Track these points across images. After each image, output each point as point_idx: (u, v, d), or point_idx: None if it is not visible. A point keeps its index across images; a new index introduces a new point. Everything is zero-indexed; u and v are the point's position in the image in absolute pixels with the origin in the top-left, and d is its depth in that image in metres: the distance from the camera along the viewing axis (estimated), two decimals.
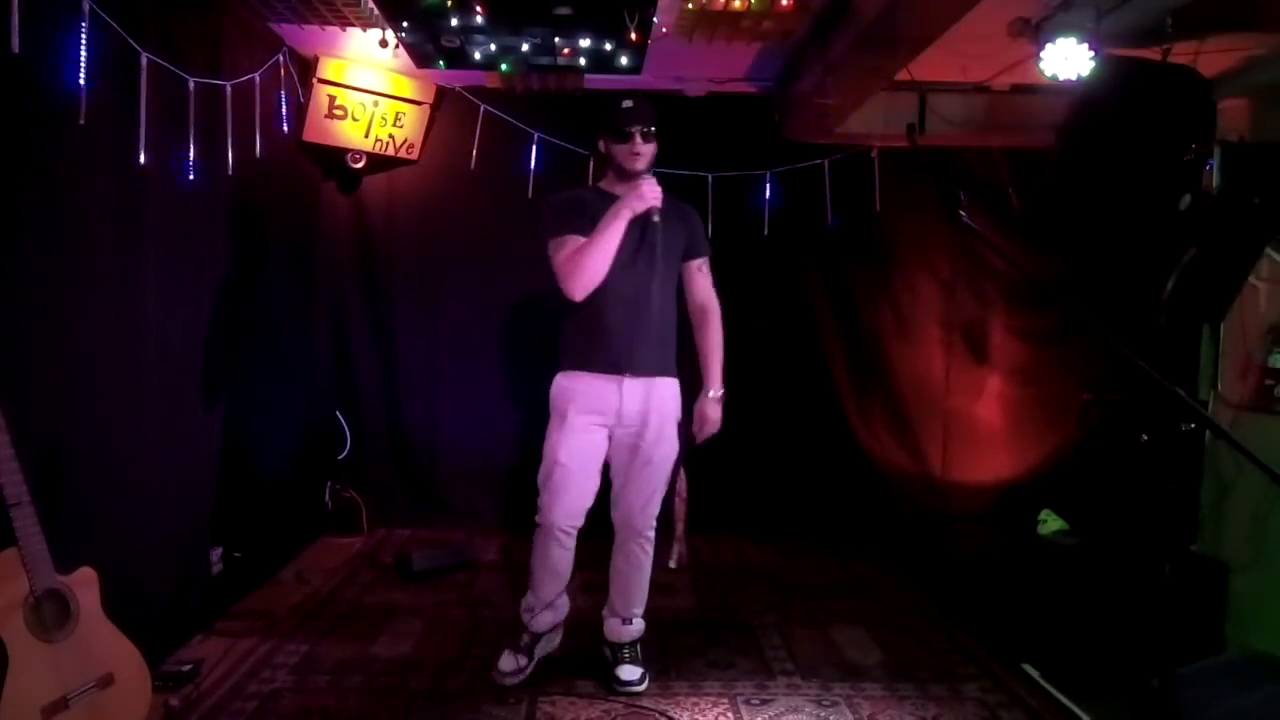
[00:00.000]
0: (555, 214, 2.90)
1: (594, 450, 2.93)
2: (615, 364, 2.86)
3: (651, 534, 3.05)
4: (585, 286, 2.79)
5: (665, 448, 2.96)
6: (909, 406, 4.92)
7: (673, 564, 4.27)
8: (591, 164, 4.49)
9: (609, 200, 2.84)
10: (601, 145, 2.93)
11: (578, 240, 2.81)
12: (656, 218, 2.80)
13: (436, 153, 4.77)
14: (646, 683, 2.99)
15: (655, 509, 3.01)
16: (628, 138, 2.84)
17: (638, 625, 3.12)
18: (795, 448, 4.91)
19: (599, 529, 3.08)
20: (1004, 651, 3.26)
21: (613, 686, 2.96)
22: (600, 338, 2.86)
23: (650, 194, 2.78)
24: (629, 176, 2.87)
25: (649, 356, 2.90)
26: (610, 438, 2.94)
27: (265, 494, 4.05)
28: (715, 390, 3.01)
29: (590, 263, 2.77)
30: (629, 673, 2.98)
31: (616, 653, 3.07)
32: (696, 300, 3.08)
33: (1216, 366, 3.61)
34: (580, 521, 2.96)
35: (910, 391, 4.92)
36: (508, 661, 3.01)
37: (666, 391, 2.97)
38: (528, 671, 3.02)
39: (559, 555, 2.96)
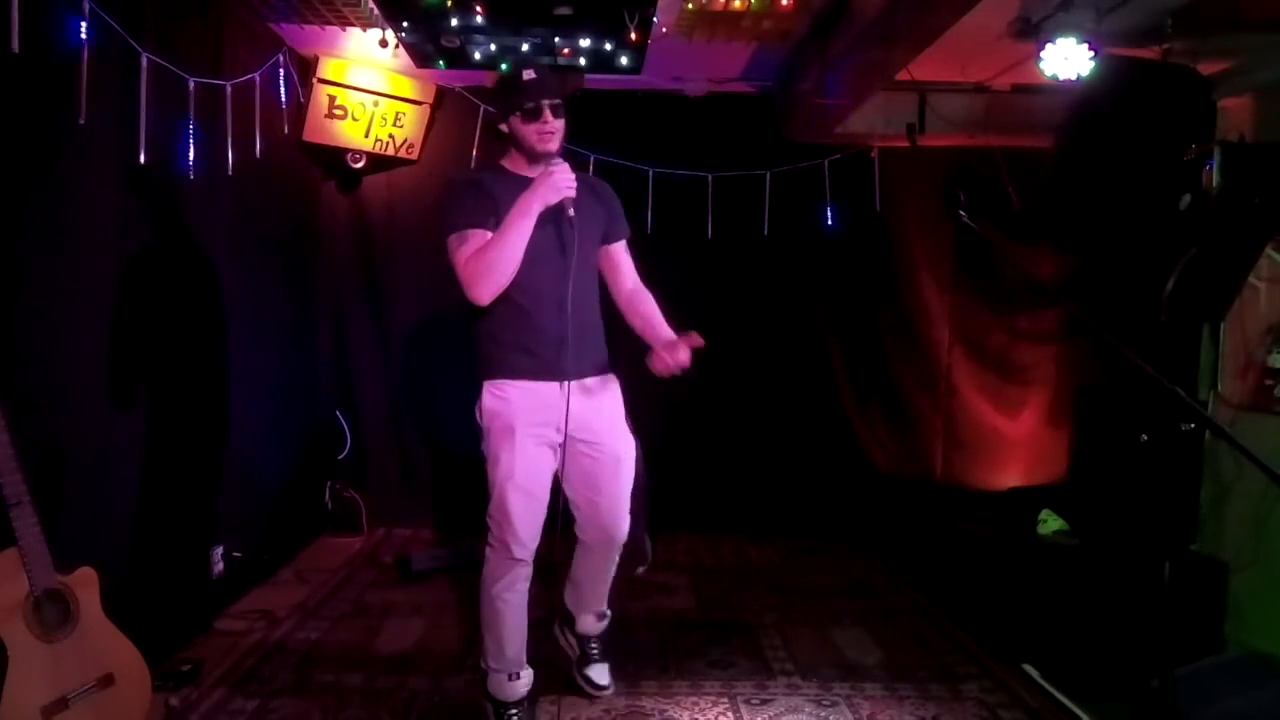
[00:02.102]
0: (455, 203, 2.51)
1: (547, 465, 2.61)
2: (553, 370, 2.53)
3: (625, 541, 2.80)
4: (492, 291, 2.44)
5: (628, 443, 2.73)
6: (909, 406, 4.92)
7: (641, 571, 4.11)
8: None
9: (516, 184, 2.48)
10: (505, 127, 2.55)
11: (482, 236, 2.44)
12: (572, 211, 2.45)
13: (436, 153, 4.77)
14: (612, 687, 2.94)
15: (627, 514, 2.75)
16: (537, 113, 2.45)
17: (608, 617, 3.02)
18: (795, 448, 4.91)
19: None
20: (1004, 651, 3.26)
21: (584, 689, 2.92)
22: (530, 343, 2.53)
23: (564, 183, 2.42)
24: (539, 158, 2.50)
25: (587, 355, 2.62)
26: (561, 449, 2.59)
27: (265, 494, 4.05)
28: (692, 338, 2.54)
29: (497, 263, 2.41)
30: (601, 675, 2.93)
31: (587, 647, 2.96)
32: (625, 286, 2.75)
33: (1216, 366, 3.61)
34: (537, 543, 2.63)
35: (910, 391, 4.92)
36: None
37: (613, 389, 2.73)
38: None
39: (522, 593, 2.65)
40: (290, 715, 2.76)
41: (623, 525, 2.74)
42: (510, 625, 2.66)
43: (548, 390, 2.55)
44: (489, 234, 2.45)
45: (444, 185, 2.82)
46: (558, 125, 2.49)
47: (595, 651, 2.98)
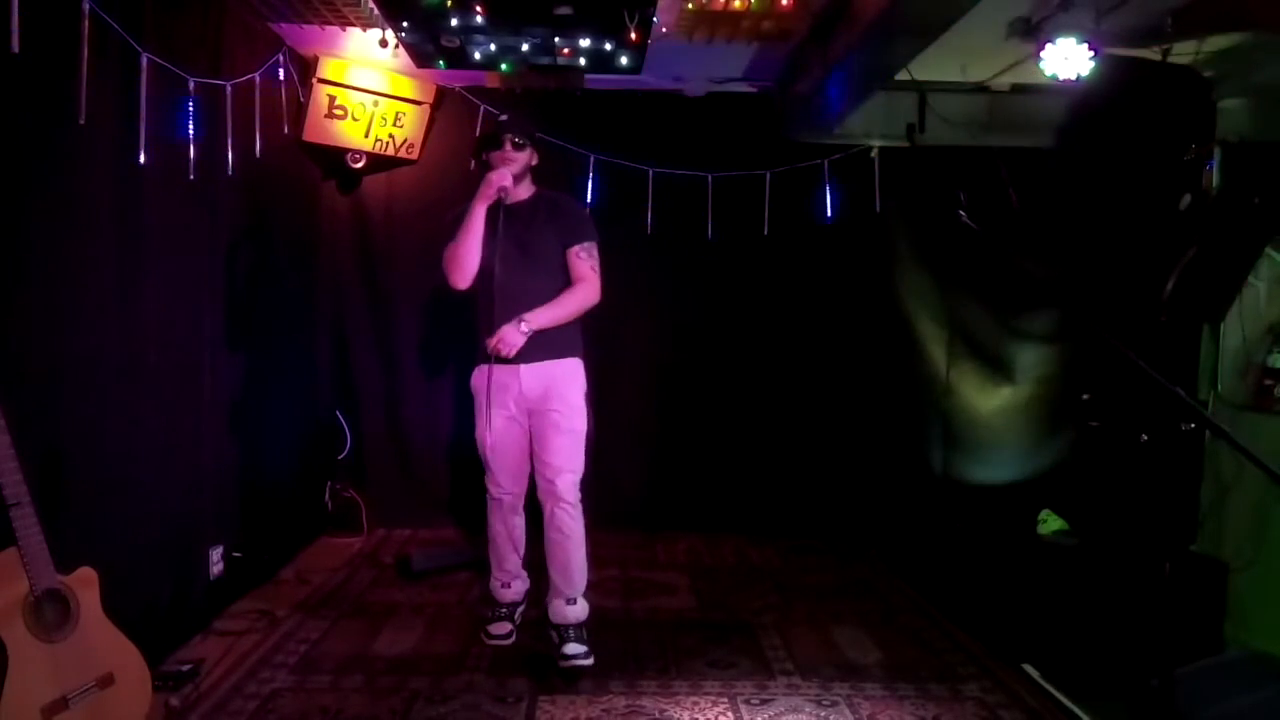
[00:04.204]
0: (445, 226, 3.21)
1: (515, 431, 3.24)
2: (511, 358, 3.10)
3: (576, 502, 3.21)
4: (456, 279, 3.11)
5: (576, 420, 3.21)
6: (909, 406, 4.92)
7: None
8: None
9: (502, 216, 3.09)
10: (483, 157, 3.22)
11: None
12: (506, 198, 3.07)
13: (436, 153, 4.77)
14: (592, 659, 3.09)
15: (575, 477, 3.21)
16: (499, 144, 3.14)
17: (582, 606, 3.24)
18: (795, 448, 4.91)
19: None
20: (1004, 651, 3.26)
21: (558, 665, 3.07)
22: (490, 331, 3.08)
23: (495, 177, 3.06)
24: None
25: (541, 344, 3.11)
26: (525, 421, 3.23)
27: (265, 494, 4.04)
28: (526, 323, 3.07)
29: (458, 251, 3.08)
30: (573, 648, 3.10)
31: (562, 634, 3.17)
32: (575, 278, 3.23)
33: (1216, 366, 3.61)
34: (522, 487, 3.35)
35: (910, 391, 4.92)
36: (500, 627, 3.36)
37: (562, 370, 3.20)
38: (514, 636, 3.35)
39: (514, 523, 3.40)
40: (290, 715, 2.76)
41: (559, 483, 3.18)
42: (501, 546, 3.42)
43: (506, 373, 3.15)
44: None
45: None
46: (515, 156, 3.15)
47: (570, 635, 3.17)
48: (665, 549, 4.62)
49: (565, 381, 3.21)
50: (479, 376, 3.22)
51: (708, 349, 4.92)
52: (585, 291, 3.19)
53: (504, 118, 3.28)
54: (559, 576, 3.23)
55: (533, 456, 3.26)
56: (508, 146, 3.14)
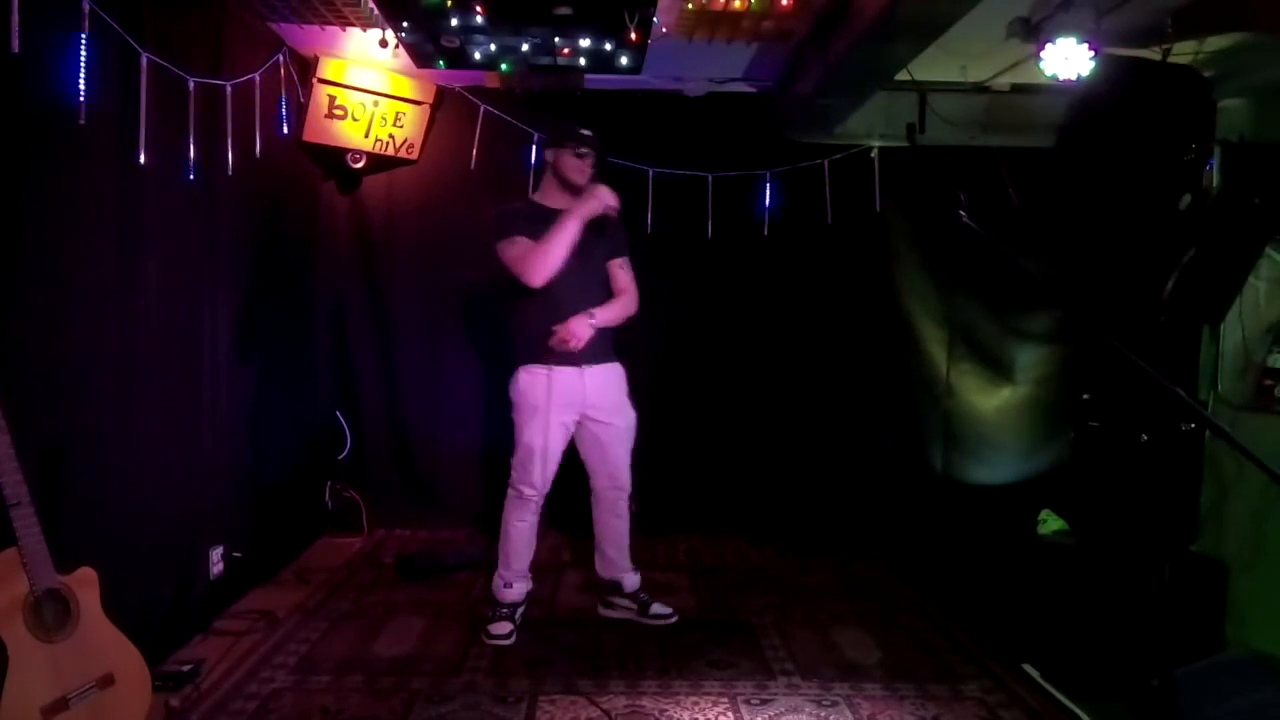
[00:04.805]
0: (503, 220, 3.30)
1: (565, 435, 3.40)
2: (575, 357, 3.27)
3: (629, 490, 3.55)
4: (545, 275, 3.19)
5: (630, 416, 3.49)
6: (909, 406, 4.92)
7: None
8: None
9: (546, 213, 3.28)
10: (551, 155, 3.38)
11: (524, 241, 3.22)
12: (614, 216, 3.28)
13: (436, 153, 4.77)
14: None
15: (629, 469, 3.53)
16: (584, 157, 3.33)
17: (639, 572, 3.65)
18: (795, 448, 4.91)
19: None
20: (1004, 651, 3.26)
21: (650, 624, 3.50)
22: (551, 333, 3.24)
23: (609, 197, 3.26)
24: (572, 189, 3.33)
25: (599, 346, 3.33)
26: (579, 423, 3.40)
27: (265, 494, 4.04)
28: (595, 318, 3.28)
29: (552, 254, 3.17)
30: (662, 607, 3.55)
31: (644, 599, 3.59)
32: (617, 289, 3.45)
33: (1216, 366, 3.61)
34: (549, 489, 3.43)
35: (910, 391, 4.92)
36: (501, 627, 3.37)
37: (617, 375, 3.47)
38: (514, 636, 3.37)
39: (534, 522, 3.47)
40: (290, 715, 2.76)
41: (622, 476, 3.52)
42: (517, 544, 3.46)
43: (570, 374, 3.29)
44: (528, 240, 3.20)
45: (491, 215, 3.41)
46: (592, 172, 3.35)
47: (647, 597, 3.58)
48: (665, 549, 4.62)
49: (621, 389, 3.47)
50: (535, 379, 3.29)
51: (707, 349, 4.92)
52: (630, 302, 3.43)
53: (589, 133, 3.39)
54: (620, 554, 3.58)
55: (587, 459, 3.50)
56: (590, 162, 3.34)
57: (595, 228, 3.30)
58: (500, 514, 3.49)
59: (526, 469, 3.34)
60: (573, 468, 3.50)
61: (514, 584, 3.49)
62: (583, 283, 3.30)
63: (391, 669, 3.11)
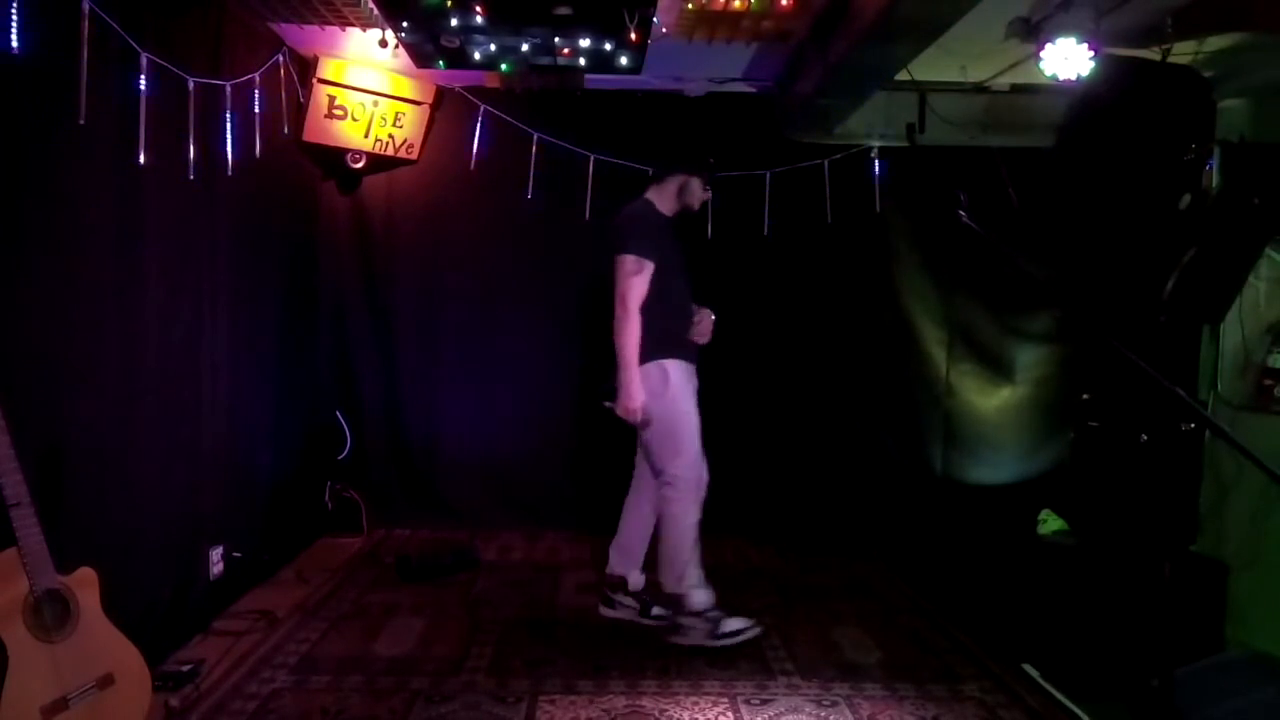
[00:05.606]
0: (643, 237, 3.41)
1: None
2: (691, 355, 3.50)
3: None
4: (621, 317, 3.38)
5: None
6: (909, 406, 4.92)
7: None
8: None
9: (666, 222, 3.51)
10: (684, 177, 3.53)
11: (649, 272, 3.35)
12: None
13: (436, 153, 4.77)
14: None
15: None
16: (710, 188, 3.62)
17: (645, 577, 3.68)
18: (795, 448, 4.91)
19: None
20: (1004, 651, 3.27)
21: (654, 626, 3.47)
22: (684, 335, 3.48)
23: (708, 330, 3.54)
24: (687, 208, 3.56)
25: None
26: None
27: (265, 494, 4.05)
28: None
29: (628, 329, 3.33)
30: (661, 610, 3.50)
31: (641, 598, 3.57)
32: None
33: (1216, 366, 3.61)
34: None
35: (910, 391, 4.92)
36: (735, 622, 3.35)
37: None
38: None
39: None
40: (290, 715, 2.76)
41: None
42: (695, 544, 3.43)
43: (689, 368, 3.49)
44: (652, 268, 3.35)
45: (634, 215, 3.51)
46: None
47: (649, 599, 3.54)
48: None
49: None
50: (680, 370, 3.43)
51: (707, 348, 4.90)
52: None
53: (712, 161, 3.66)
54: (642, 550, 3.63)
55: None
56: (709, 194, 3.64)
57: (676, 240, 3.54)
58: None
59: (688, 453, 3.40)
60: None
61: (707, 580, 3.44)
62: (687, 290, 3.53)
63: (391, 669, 3.11)
